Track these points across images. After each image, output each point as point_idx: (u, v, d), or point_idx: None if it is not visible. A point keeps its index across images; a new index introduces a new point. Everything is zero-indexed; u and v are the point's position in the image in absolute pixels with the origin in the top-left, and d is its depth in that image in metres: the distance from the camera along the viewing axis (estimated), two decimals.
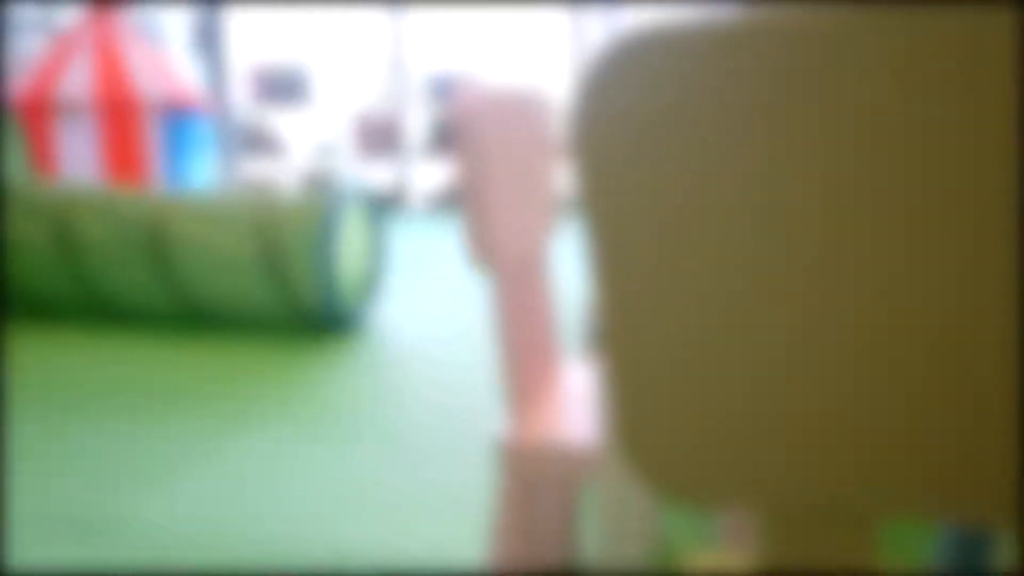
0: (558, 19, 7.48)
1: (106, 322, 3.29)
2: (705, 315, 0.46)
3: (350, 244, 3.20)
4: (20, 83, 4.97)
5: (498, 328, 1.08)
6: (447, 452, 1.96)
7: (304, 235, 2.91)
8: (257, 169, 7.55)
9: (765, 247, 0.43)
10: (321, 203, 2.98)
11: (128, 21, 5.49)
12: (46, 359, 2.79)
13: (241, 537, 1.57)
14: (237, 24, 7.97)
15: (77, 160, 4.81)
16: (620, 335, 0.48)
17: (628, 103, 0.43)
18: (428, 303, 3.59)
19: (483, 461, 1.91)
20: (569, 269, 4.24)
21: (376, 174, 7.73)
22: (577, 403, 1.20)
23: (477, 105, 0.98)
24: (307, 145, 7.48)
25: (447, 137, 7.26)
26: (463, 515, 1.66)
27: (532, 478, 1.09)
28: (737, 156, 0.42)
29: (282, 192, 3.15)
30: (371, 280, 3.38)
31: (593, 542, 1.47)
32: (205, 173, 5.50)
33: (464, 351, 2.83)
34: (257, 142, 7.44)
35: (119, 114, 4.88)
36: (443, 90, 7.28)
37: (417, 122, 7.38)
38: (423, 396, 2.37)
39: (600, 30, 7.38)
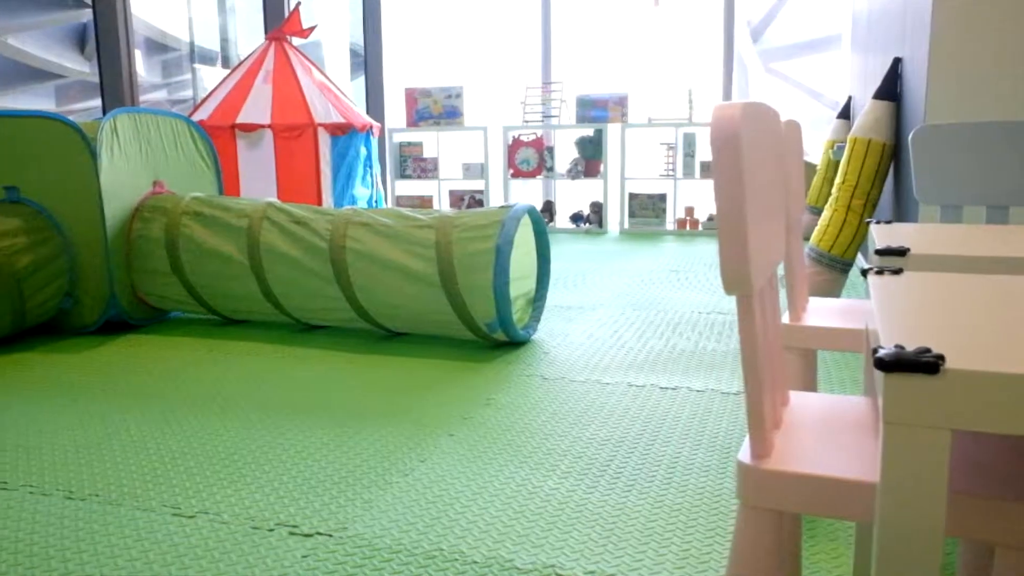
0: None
1: (290, 334, 3.46)
2: None
3: (519, 260, 3.23)
4: (206, 109, 5.34)
5: (745, 352, 1.05)
6: (635, 474, 1.93)
7: (481, 252, 2.97)
8: (409, 187, 7.79)
9: None
10: (497, 219, 3.02)
11: (299, 49, 5.81)
12: (240, 367, 2.96)
13: (439, 554, 1.59)
14: (392, 47, 8.27)
15: (255, 177, 5.11)
16: None
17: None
18: (584, 320, 3.57)
19: (669, 485, 1.87)
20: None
21: (524, 193, 7.81)
22: (818, 432, 1.14)
23: (736, 121, 0.96)
24: (457, 164, 7.65)
25: (590, 157, 7.26)
26: (660, 539, 1.62)
27: (778, 505, 1.05)
28: None
29: (456, 209, 3.23)
30: (539, 295, 3.40)
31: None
32: (369, 190, 5.72)
33: (631, 370, 2.79)
34: (409, 161, 7.68)
35: (293, 136, 5.15)
36: (590, 111, 7.29)
37: (565, 142, 7.41)
38: (601, 415, 2.34)
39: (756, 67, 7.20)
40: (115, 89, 5.16)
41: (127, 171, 3.54)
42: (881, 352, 0.74)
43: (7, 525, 1.72)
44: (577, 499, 1.81)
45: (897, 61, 3.58)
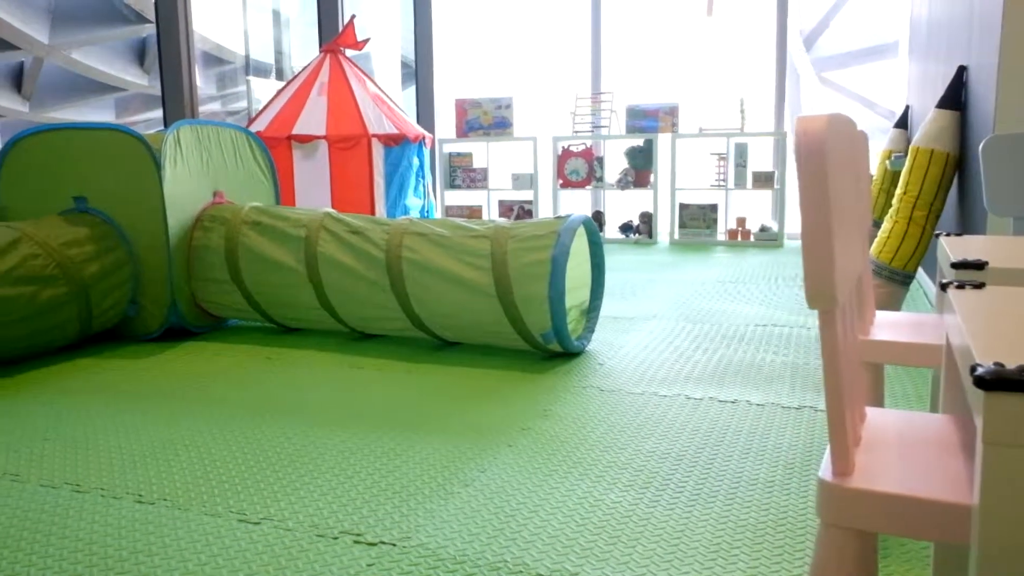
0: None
1: (345, 342, 3.50)
2: None
3: (573, 270, 3.23)
4: (262, 120, 5.44)
5: (827, 367, 1.03)
6: (697, 489, 1.91)
7: (537, 262, 2.97)
8: (458, 197, 7.84)
9: None
10: (553, 230, 3.02)
11: (354, 61, 5.89)
12: (297, 374, 3.00)
13: (503, 566, 1.59)
14: (442, 58, 8.34)
15: (310, 187, 5.18)
16: None
17: None
18: (637, 331, 3.55)
19: (733, 501, 1.84)
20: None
21: (573, 203, 7.80)
22: (899, 450, 1.12)
23: (822, 133, 0.94)
24: (506, 174, 7.68)
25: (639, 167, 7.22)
26: (727, 556, 1.60)
27: (862, 524, 1.02)
28: None
29: (510, 219, 3.23)
30: (592, 306, 3.39)
31: None
32: (421, 200, 5.77)
33: (688, 383, 2.76)
34: (458, 171, 7.72)
35: (348, 147, 5.22)
36: (640, 122, 7.26)
37: (615, 152, 7.39)
38: (660, 428, 2.32)
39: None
40: (176, 101, 5.30)
41: (189, 181, 3.62)
42: (980, 370, 0.72)
43: (82, 527, 1.76)
44: (640, 513, 1.80)
45: (962, 69, 3.51)
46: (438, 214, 7.52)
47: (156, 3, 5.39)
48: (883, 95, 7.34)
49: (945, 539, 0.99)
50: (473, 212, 7.61)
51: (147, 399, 2.71)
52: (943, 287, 1.19)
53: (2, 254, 3.07)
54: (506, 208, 7.64)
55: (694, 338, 3.45)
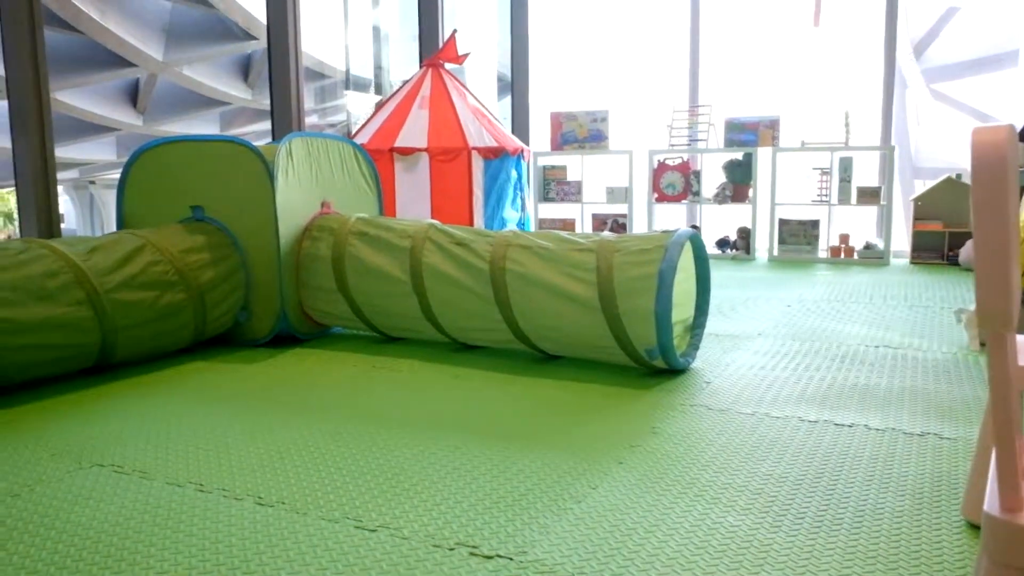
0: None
1: (446, 352, 3.53)
2: None
3: (679, 286, 3.17)
4: (365, 133, 5.56)
5: (996, 395, 0.97)
6: (820, 516, 1.83)
7: (643, 276, 2.93)
8: (551, 210, 7.84)
9: None
10: (660, 244, 2.98)
11: (454, 75, 5.97)
12: (402, 383, 3.04)
13: None
14: (538, 72, 8.37)
15: (410, 199, 5.27)
16: None
17: None
18: (743, 349, 3.46)
19: (859, 531, 1.76)
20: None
21: (669, 217, 7.70)
22: None
23: (1002, 146, 0.89)
24: (600, 187, 7.64)
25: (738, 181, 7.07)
26: None
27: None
28: None
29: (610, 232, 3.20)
30: (697, 323, 3.32)
31: None
32: (519, 213, 5.79)
33: (801, 404, 2.67)
34: (552, 184, 7.73)
35: (448, 159, 5.28)
36: (739, 135, 7.11)
37: (712, 166, 7.26)
38: (775, 450, 2.25)
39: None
40: (284, 114, 5.48)
41: (299, 192, 3.73)
42: None
43: (207, 526, 1.82)
44: (761, 538, 1.73)
45: None
46: (532, 227, 7.54)
47: (268, 23, 5.60)
48: (1000, 107, 6.99)
49: None
50: (566, 225, 7.60)
51: (259, 403, 2.79)
52: None
53: (128, 260, 3.22)
54: (599, 221, 7.60)
55: (803, 358, 3.34)
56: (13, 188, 4.04)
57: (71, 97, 13.32)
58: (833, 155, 6.71)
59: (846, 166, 6.70)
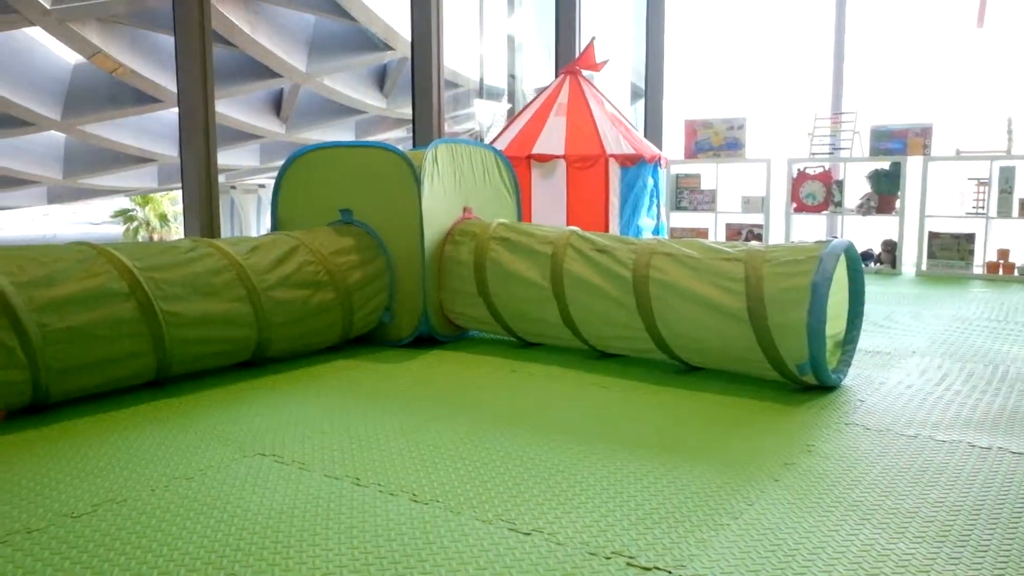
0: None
1: (584, 360, 3.51)
2: None
3: (831, 297, 3.03)
4: (503, 140, 5.63)
5: None
6: (1004, 551, 1.70)
7: (796, 288, 2.82)
8: (683, 219, 7.71)
9: None
10: (814, 254, 2.86)
11: (592, 82, 5.96)
12: (541, 388, 3.04)
13: None
14: (673, 78, 8.26)
15: (547, 205, 5.29)
16: None
17: None
18: (897, 367, 3.27)
19: None
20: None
21: (807, 228, 7.43)
22: None
23: None
24: (734, 197, 7.45)
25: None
26: None
27: None
28: None
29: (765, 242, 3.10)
30: (849, 338, 3.18)
31: None
32: (654, 221, 5.72)
33: (968, 428, 2.49)
34: (685, 192, 7.59)
35: (586, 166, 5.28)
36: (886, 143, 6.78)
37: (856, 176, 6.95)
38: (944, 476, 2.11)
39: None
40: (425, 122, 5.62)
41: (443, 197, 3.81)
42: None
43: (366, 520, 1.87)
44: (938, 569, 1.63)
45: None
46: (666, 236, 7.44)
47: (412, 34, 5.77)
48: None
49: None
50: (699, 234, 7.45)
51: (406, 402, 2.86)
52: None
53: (283, 260, 3.37)
54: (733, 231, 7.41)
55: (967, 379, 3.13)
56: (180, 189, 4.32)
57: (221, 106, 14.20)
58: (993, 164, 6.29)
59: (1007, 176, 6.27)
